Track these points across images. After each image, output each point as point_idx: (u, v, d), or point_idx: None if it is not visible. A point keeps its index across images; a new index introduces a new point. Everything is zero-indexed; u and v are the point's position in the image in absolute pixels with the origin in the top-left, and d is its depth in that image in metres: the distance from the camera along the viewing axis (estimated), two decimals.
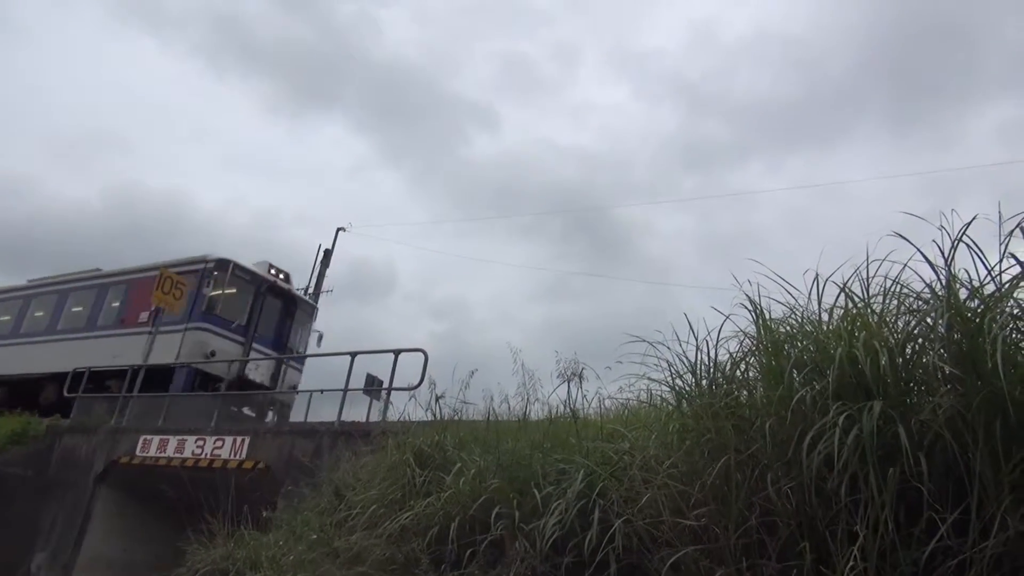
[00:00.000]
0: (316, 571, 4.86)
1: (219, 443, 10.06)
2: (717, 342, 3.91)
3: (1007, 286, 3.29)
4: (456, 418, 6.25)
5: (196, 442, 10.32)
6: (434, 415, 6.42)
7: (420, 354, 8.93)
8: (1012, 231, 3.38)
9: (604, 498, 3.91)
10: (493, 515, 4.30)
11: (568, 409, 5.15)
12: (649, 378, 4.25)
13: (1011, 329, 3.17)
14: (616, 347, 4.33)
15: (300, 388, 14.14)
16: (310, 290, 20.93)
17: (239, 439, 9.91)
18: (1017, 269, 3.31)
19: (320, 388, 10.64)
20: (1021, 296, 3.30)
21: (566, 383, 5.18)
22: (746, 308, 4.01)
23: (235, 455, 9.78)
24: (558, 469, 4.53)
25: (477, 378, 6.26)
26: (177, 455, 10.42)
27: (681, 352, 4.07)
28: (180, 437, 10.60)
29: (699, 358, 3.97)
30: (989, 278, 3.35)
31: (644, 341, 4.16)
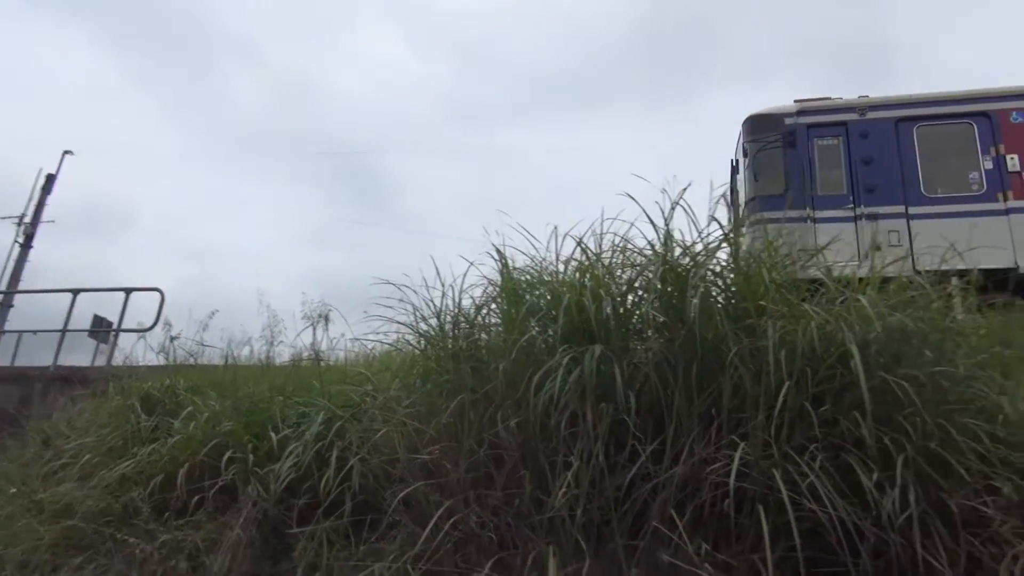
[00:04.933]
0: (13, 527, 4.35)
1: None
2: (461, 288, 4.03)
3: (712, 246, 3.76)
4: (192, 362, 5.87)
5: None
6: (167, 358, 5.99)
7: (156, 294, 8.24)
8: (718, 199, 3.86)
9: (343, 439, 3.90)
10: (225, 460, 4.12)
11: (313, 353, 5.05)
12: (396, 322, 4.28)
13: (710, 283, 3.61)
14: (370, 293, 4.32)
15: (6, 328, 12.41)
16: (26, 219, 18.33)
17: None
18: (720, 232, 3.82)
19: (33, 329, 9.45)
20: (722, 256, 3.78)
21: (312, 326, 5.07)
22: (492, 257, 4.20)
23: None
24: (299, 412, 4.44)
25: (221, 322, 5.93)
26: None
27: (428, 297, 4.16)
28: None
29: (444, 303, 4.07)
30: (699, 239, 3.80)
31: (392, 284, 4.18)
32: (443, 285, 4.08)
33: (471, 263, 4.05)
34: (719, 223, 3.63)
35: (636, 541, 3.06)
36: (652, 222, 3.80)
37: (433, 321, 4.11)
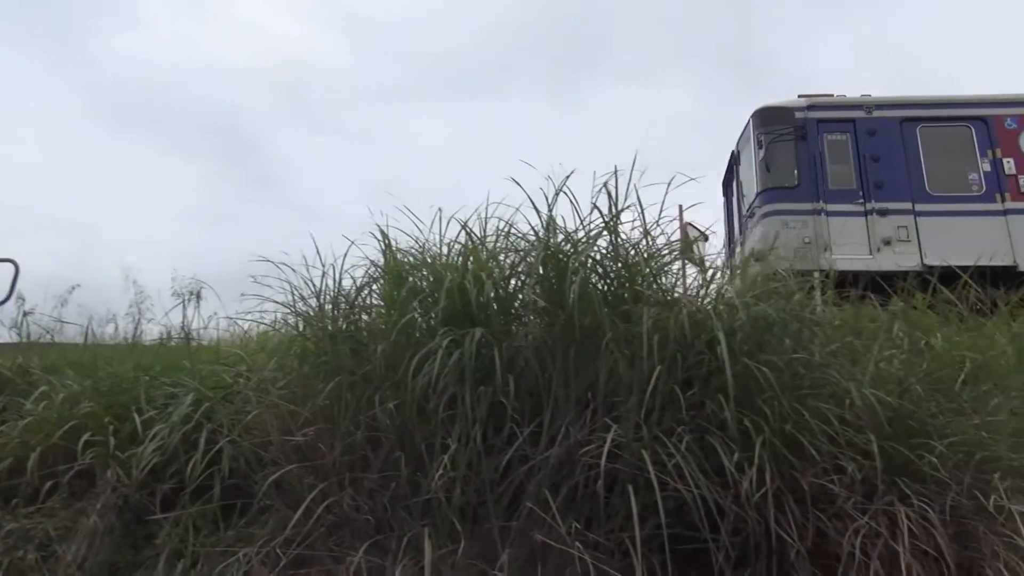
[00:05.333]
0: None
1: None
2: (342, 268, 3.94)
3: (593, 234, 3.83)
4: (49, 339, 5.48)
5: None
6: (20, 335, 5.56)
7: (9, 265, 7.59)
8: (600, 188, 3.93)
9: (213, 421, 3.74)
10: (82, 443, 3.86)
11: (183, 331, 4.81)
12: (274, 301, 4.14)
13: (590, 270, 3.69)
14: (249, 271, 4.16)
15: None
16: None
17: None
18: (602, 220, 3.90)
19: None
20: (602, 243, 3.87)
21: (182, 304, 4.83)
22: (375, 238, 4.13)
23: None
24: (166, 394, 4.22)
25: (86, 298, 5.55)
26: None
27: (307, 277, 4.04)
28: None
29: (324, 283, 3.97)
30: (581, 226, 3.87)
31: (270, 262, 4.04)
32: (323, 265, 3.98)
33: (352, 242, 3.98)
34: (600, 211, 3.70)
35: (511, 522, 3.10)
36: (536, 208, 3.85)
37: (312, 301, 4.00)
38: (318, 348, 3.77)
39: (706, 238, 5.21)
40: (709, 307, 3.40)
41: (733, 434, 2.97)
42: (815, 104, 10.49)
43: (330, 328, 3.77)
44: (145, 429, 3.88)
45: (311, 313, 3.98)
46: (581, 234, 3.83)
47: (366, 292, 4.00)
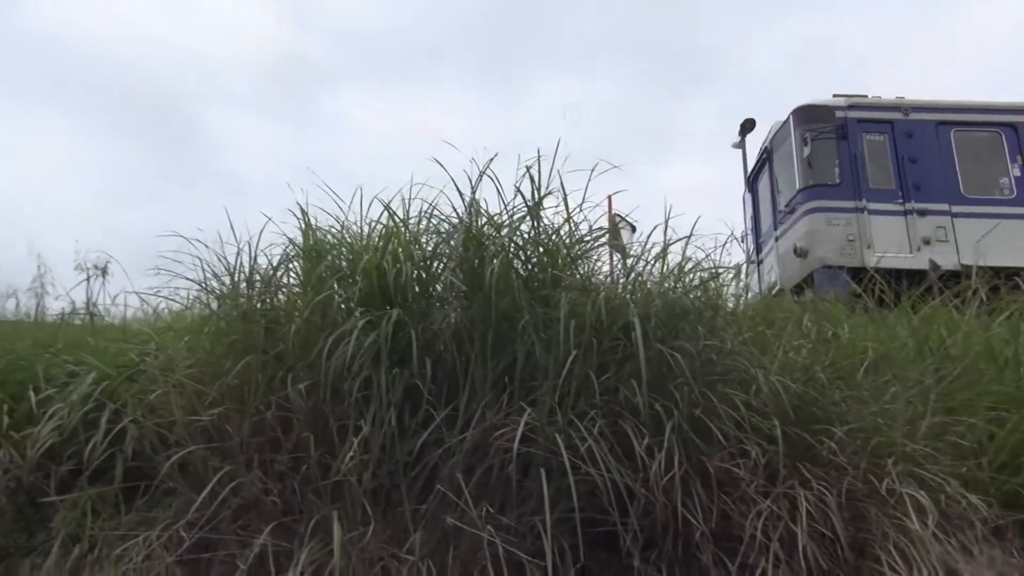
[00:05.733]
0: None
1: None
2: (258, 245, 3.83)
3: (516, 217, 3.82)
4: None
5: None
6: None
7: None
8: (524, 174, 3.92)
9: (116, 401, 3.59)
10: None
11: (88, 308, 4.59)
12: (185, 278, 3.99)
13: (512, 254, 3.68)
14: (161, 247, 4.00)
15: None
16: None
17: None
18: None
19: None
20: (525, 228, 3.86)
21: (87, 279, 4.61)
22: (294, 216, 4.03)
23: None
24: (68, 372, 4.03)
25: None
26: None
27: (221, 254, 3.91)
28: None
29: (239, 261, 3.85)
30: (504, 210, 3.85)
31: (183, 238, 3.89)
32: (238, 242, 3.86)
33: (269, 219, 3.87)
34: (523, 196, 3.69)
35: (424, 505, 3.08)
36: (459, 191, 3.81)
37: (226, 279, 3.88)
38: (230, 327, 3.65)
39: (633, 228, 5.27)
40: (626, 293, 3.43)
41: (645, 419, 3.01)
42: (855, 104, 10.68)
43: (244, 306, 3.66)
44: (44, 408, 3.70)
45: (224, 291, 3.86)
46: (504, 218, 3.82)
47: (282, 271, 3.90)
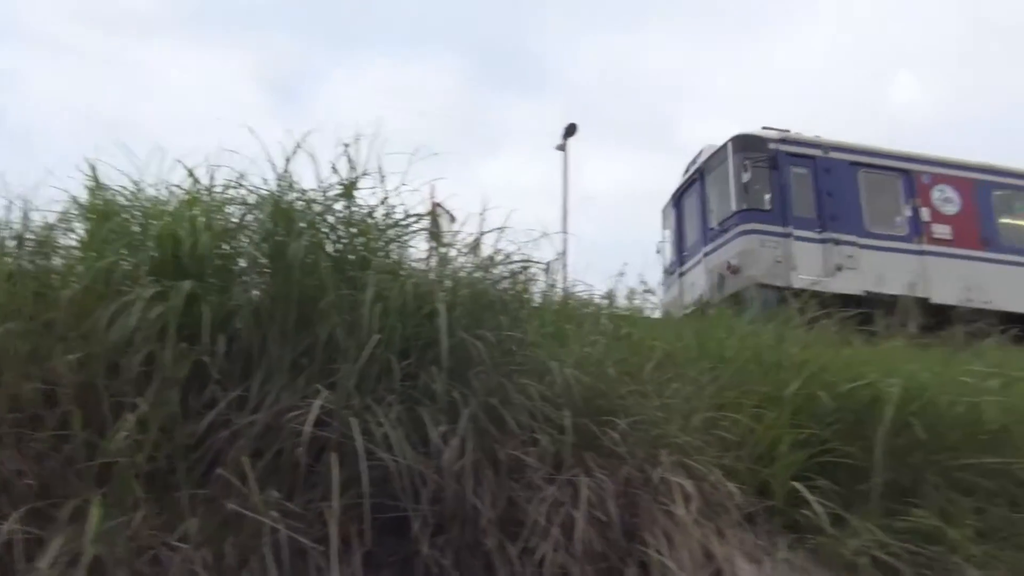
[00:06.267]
0: None
1: None
2: (33, 200, 3.45)
3: (329, 195, 3.71)
4: None
5: None
6: None
7: None
8: (342, 152, 3.81)
9: None
10: None
11: None
12: None
13: (323, 233, 3.57)
14: None
15: None
16: None
17: None
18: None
19: None
20: (339, 207, 3.75)
21: None
22: (83, 173, 3.68)
23: None
24: None
25: None
26: None
27: None
28: None
29: (7, 216, 3.45)
30: (318, 187, 3.73)
31: None
32: (9, 194, 3.45)
33: (51, 172, 3.49)
34: (338, 173, 3.60)
35: (205, 490, 2.92)
36: (271, 161, 3.65)
37: None
38: None
39: (452, 218, 5.31)
40: (436, 280, 3.45)
41: (443, 405, 3.04)
42: (784, 139, 11.88)
43: (9, 266, 3.27)
44: None
45: None
46: (317, 195, 3.70)
47: (61, 230, 3.53)
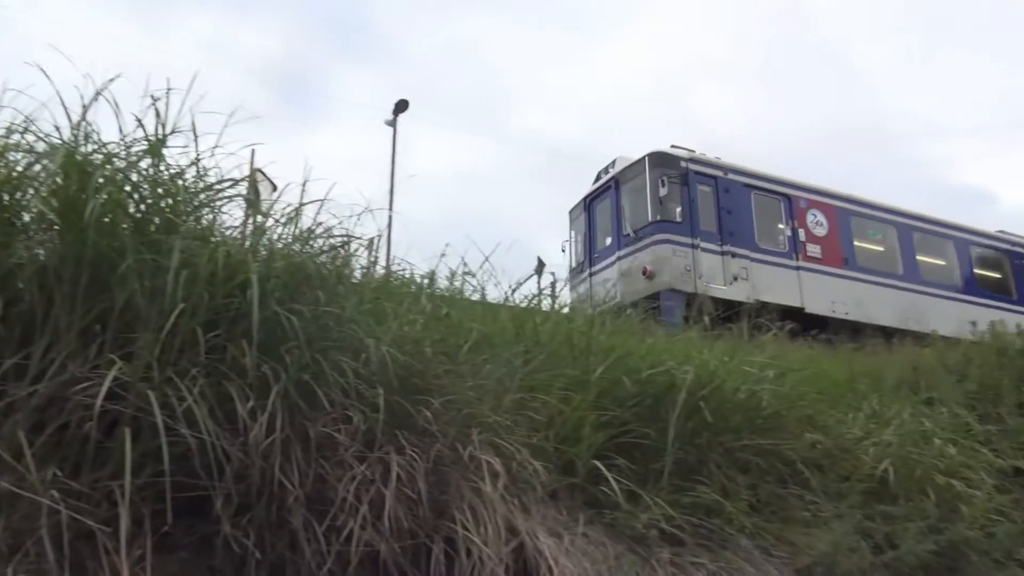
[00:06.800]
0: None
1: None
2: None
3: (134, 150, 3.42)
4: None
5: None
6: None
7: None
8: (150, 105, 3.51)
9: None
10: None
11: None
12: None
13: (126, 191, 3.29)
14: None
15: None
16: None
17: None
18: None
19: None
20: (144, 164, 3.46)
21: None
22: None
23: None
24: None
25: None
26: None
27: None
28: None
29: None
30: (121, 141, 3.42)
31: None
32: None
33: None
34: (143, 128, 3.32)
35: None
36: (65, 107, 3.29)
37: None
38: None
39: (274, 186, 5.09)
40: (250, 250, 3.29)
41: (252, 380, 2.93)
42: (693, 158, 13.17)
43: None
44: None
45: None
46: (120, 150, 3.40)
47: None
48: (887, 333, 9.45)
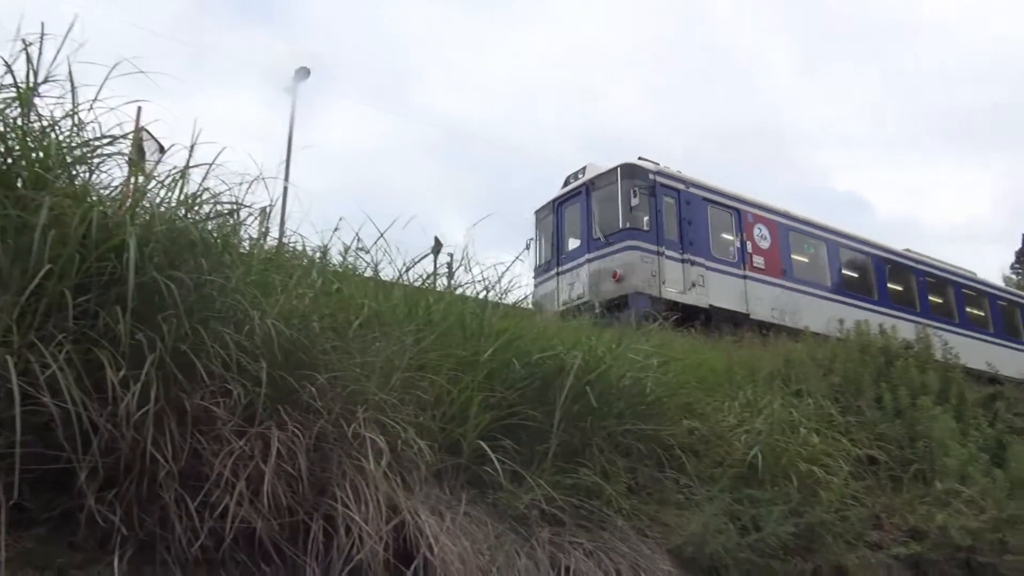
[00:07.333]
0: None
1: None
2: None
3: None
4: None
5: None
6: None
7: None
8: (21, 50, 3.27)
9: None
10: None
11: None
12: None
13: None
14: None
15: None
16: None
17: None
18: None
19: None
20: (12, 113, 3.22)
21: None
22: None
23: None
24: None
25: None
26: None
27: None
28: None
29: None
30: None
31: None
32: None
33: None
34: (13, 75, 3.08)
35: None
36: None
37: None
38: None
39: (162, 148, 4.84)
40: (128, 212, 3.11)
41: (125, 349, 2.78)
42: (659, 171, 14.13)
43: None
44: None
45: None
46: None
47: None
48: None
